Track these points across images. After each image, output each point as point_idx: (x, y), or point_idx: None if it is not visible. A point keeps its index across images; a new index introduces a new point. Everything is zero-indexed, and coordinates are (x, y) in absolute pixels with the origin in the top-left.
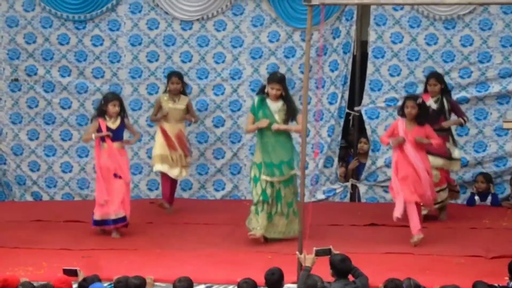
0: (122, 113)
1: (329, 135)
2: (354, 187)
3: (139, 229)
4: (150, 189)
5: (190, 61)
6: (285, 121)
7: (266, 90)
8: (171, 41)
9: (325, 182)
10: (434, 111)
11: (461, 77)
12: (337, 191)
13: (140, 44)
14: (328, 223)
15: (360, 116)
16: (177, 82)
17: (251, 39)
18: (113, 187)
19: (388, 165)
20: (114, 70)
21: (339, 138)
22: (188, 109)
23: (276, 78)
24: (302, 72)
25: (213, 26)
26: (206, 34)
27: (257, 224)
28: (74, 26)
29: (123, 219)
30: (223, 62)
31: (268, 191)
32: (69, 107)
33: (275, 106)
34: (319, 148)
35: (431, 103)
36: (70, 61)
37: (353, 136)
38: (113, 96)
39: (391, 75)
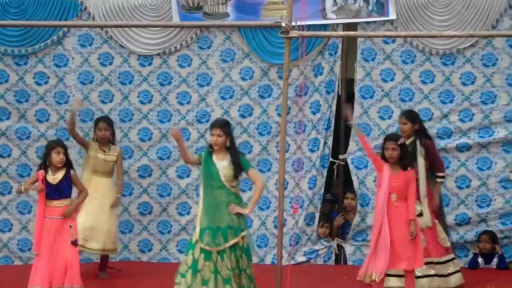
0: (68, 164)
1: (310, 188)
2: (339, 247)
3: None
4: (142, 250)
5: (150, 101)
6: (233, 178)
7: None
8: (128, 78)
9: (306, 242)
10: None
11: (461, 120)
12: (320, 252)
13: (91, 82)
14: None
15: (346, 165)
16: (105, 129)
17: (220, 77)
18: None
19: None
20: (61, 113)
21: (322, 191)
22: (117, 161)
23: (217, 123)
24: (279, 115)
25: (176, 61)
26: (168, 71)
27: None
28: (14, 62)
29: None
30: (188, 103)
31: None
32: (9, 156)
33: (221, 165)
34: (299, 203)
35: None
36: (9, 102)
37: (337, 189)
38: (57, 143)
39: (381, 118)
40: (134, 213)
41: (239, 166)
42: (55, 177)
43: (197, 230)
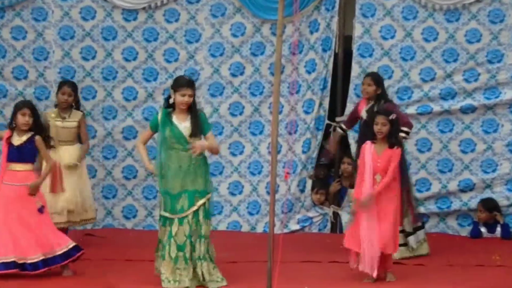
0: (36, 127)
1: (304, 152)
2: (335, 215)
3: (73, 268)
4: (126, 217)
5: (134, 59)
6: (194, 140)
7: (171, 101)
8: (111, 34)
9: (300, 209)
10: (365, 123)
11: (466, 80)
12: (315, 219)
13: (72, 37)
14: (303, 259)
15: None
16: (69, 94)
17: (210, 33)
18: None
19: None
20: (40, 70)
21: (315, 155)
22: (79, 127)
23: (186, 81)
24: (272, 74)
25: (163, 16)
26: (154, 26)
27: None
28: None
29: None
30: (175, 60)
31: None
32: None
33: (183, 126)
34: (292, 168)
35: (362, 113)
36: None
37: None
38: (24, 104)
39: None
40: (118, 177)
41: (198, 127)
42: (19, 139)
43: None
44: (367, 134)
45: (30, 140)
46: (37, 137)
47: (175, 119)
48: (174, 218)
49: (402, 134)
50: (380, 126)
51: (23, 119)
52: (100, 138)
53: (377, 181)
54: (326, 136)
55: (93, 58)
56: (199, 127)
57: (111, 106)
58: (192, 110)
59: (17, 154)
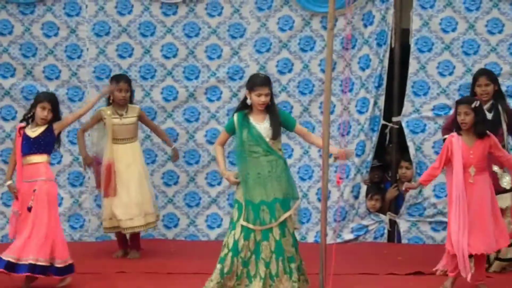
0: (53, 121)
1: (357, 155)
2: (392, 223)
3: (105, 282)
4: (166, 226)
5: (174, 56)
6: (277, 142)
7: (248, 102)
8: (149, 30)
9: (354, 217)
10: (489, 122)
11: None
12: (370, 228)
13: (107, 34)
14: (358, 271)
15: (401, 129)
16: (126, 90)
17: (255, 27)
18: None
19: (438, 195)
20: (73, 69)
21: (370, 158)
22: (143, 122)
23: (261, 79)
24: (323, 71)
25: (204, 10)
26: (195, 21)
27: None
28: (19, 10)
29: (50, 268)
30: (218, 57)
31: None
32: (13, 118)
33: (263, 127)
34: (345, 172)
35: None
36: (14, 56)
37: (391, 156)
38: (45, 96)
39: (441, 74)
40: (158, 184)
41: (280, 125)
42: (34, 130)
43: (236, 206)
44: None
45: (47, 130)
46: (54, 124)
47: (252, 120)
48: (256, 230)
49: None
50: (463, 116)
51: (42, 113)
52: (139, 141)
53: (471, 175)
54: (381, 138)
55: (130, 55)
56: (280, 127)
57: (149, 107)
58: (270, 109)
59: (34, 146)
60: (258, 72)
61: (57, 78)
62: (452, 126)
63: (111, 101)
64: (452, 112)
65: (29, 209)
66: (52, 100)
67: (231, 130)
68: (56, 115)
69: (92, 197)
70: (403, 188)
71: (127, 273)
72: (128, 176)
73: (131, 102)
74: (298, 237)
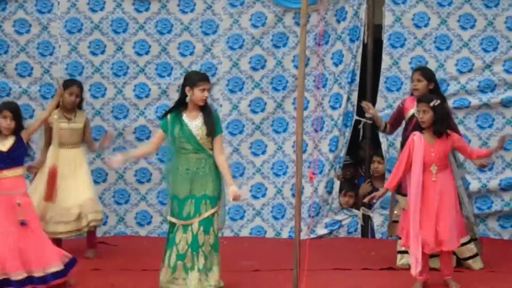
0: (19, 130)
1: (331, 150)
2: (366, 218)
3: (80, 280)
4: (139, 224)
5: (147, 53)
6: (207, 141)
7: (188, 99)
8: (122, 26)
9: (328, 212)
10: (448, 120)
11: (506, 71)
12: (344, 223)
13: (79, 30)
14: (332, 267)
15: (374, 124)
16: (76, 94)
17: (228, 24)
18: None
19: None
20: (45, 66)
21: (343, 153)
22: (84, 130)
23: (204, 75)
24: (296, 67)
25: (177, 6)
26: (168, 17)
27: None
28: None
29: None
30: (191, 54)
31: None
32: None
33: (194, 125)
34: (318, 168)
35: (409, 113)
36: None
37: (364, 151)
38: (5, 105)
39: (413, 69)
40: (131, 181)
41: (213, 125)
42: (4, 144)
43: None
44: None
45: (18, 142)
46: (22, 133)
47: (185, 117)
48: (179, 225)
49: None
50: (422, 114)
51: (5, 122)
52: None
53: (433, 173)
54: (354, 134)
55: (102, 52)
56: (212, 126)
57: (122, 104)
58: (205, 107)
59: (7, 160)
60: (196, 70)
61: (29, 75)
62: (392, 120)
63: (59, 105)
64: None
65: (23, 224)
66: (12, 108)
67: (165, 129)
68: (19, 123)
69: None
70: (366, 201)
71: (100, 270)
72: (70, 181)
73: (80, 108)
74: (272, 233)
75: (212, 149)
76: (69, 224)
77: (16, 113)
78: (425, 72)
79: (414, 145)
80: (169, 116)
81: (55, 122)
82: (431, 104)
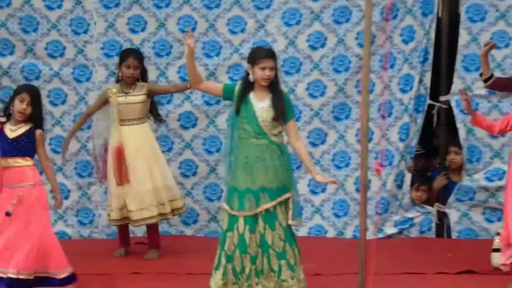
0: (34, 119)
1: (401, 140)
2: (441, 215)
3: (118, 284)
4: (185, 222)
5: (193, 30)
6: (273, 125)
7: (251, 78)
8: (164, 1)
9: (397, 209)
10: None
11: None
12: (415, 221)
13: (117, 5)
14: (402, 270)
15: (450, 109)
16: (135, 66)
17: None
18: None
19: (492, 179)
20: (79, 45)
21: (415, 142)
22: (153, 94)
23: (266, 51)
24: (360, 45)
25: None
26: None
27: None
28: None
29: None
30: (242, 31)
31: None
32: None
33: (260, 106)
34: (386, 159)
35: None
36: (13, 32)
37: (439, 140)
38: (25, 88)
39: (496, 46)
40: (175, 174)
41: (283, 109)
42: (14, 130)
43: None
44: None
45: (29, 133)
46: (39, 132)
47: (252, 96)
48: (242, 221)
49: None
50: None
51: (20, 106)
52: (149, 123)
53: None
54: (428, 120)
55: (143, 30)
56: (283, 109)
57: None
58: (274, 88)
59: (13, 148)
60: (261, 45)
61: (61, 55)
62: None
63: (119, 79)
64: None
65: (8, 214)
66: (32, 92)
67: (227, 92)
68: (37, 110)
69: (103, 189)
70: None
71: (142, 274)
72: (137, 161)
73: (143, 80)
74: (334, 232)
75: (276, 136)
76: (151, 209)
77: (36, 98)
78: None
79: None
80: (238, 85)
81: (113, 97)
82: None
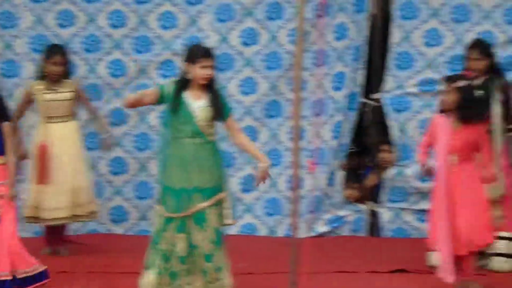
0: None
1: (334, 137)
2: (373, 213)
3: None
4: (114, 221)
5: (123, 25)
6: (209, 125)
7: (190, 76)
8: None
9: (329, 207)
10: (478, 105)
11: None
12: (348, 219)
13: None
14: (334, 269)
15: (382, 107)
16: (61, 63)
17: None
18: None
19: (424, 179)
20: (7, 40)
21: (348, 140)
22: (79, 97)
23: (206, 50)
24: (293, 42)
25: None
26: None
27: None
28: None
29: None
30: (174, 26)
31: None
32: None
33: (197, 105)
34: (319, 157)
35: None
36: None
37: (370, 138)
38: None
39: (427, 44)
40: (104, 172)
41: (222, 107)
42: None
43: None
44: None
45: None
46: (6, 124)
47: (188, 95)
48: (175, 221)
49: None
50: (446, 95)
51: None
52: (77, 121)
53: (453, 163)
54: (360, 117)
55: (72, 24)
56: (222, 108)
57: (94, 84)
58: (211, 86)
59: None
60: (199, 43)
61: None
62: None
63: (44, 75)
64: None
65: None
66: None
67: (161, 95)
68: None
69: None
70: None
71: (69, 273)
72: (62, 160)
73: (67, 77)
74: (265, 231)
75: (211, 135)
76: (66, 209)
77: None
78: (484, 48)
79: (437, 128)
80: (171, 86)
81: (38, 94)
82: (456, 84)
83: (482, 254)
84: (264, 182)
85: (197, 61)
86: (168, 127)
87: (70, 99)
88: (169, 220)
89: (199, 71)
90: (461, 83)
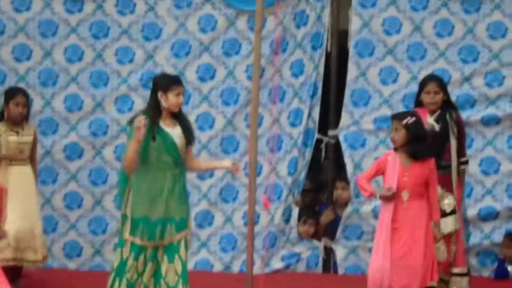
0: None
1: (290, 173)
2: (328, 250)
3: None
4: (68, 256)
5: (80, 59)
6: (183, 152)
7: (164, 104)
8: (51, 29)
9: (285, 243)
10: (437, 135)
11: (488, 85)
12: (303, 256)
13: (2, 33)
14: None
15: (338, 144)
16: (24, 105)
17: (173, 27)
18: None
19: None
20: None
21: (303, 177)
22: (34, 142)
23: (177, 77)
24: (249, 78)
25: (115, 7)
26: (104, 19)
27: None
28: None
29: None
30: (130, 61)
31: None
32: None
33: (175, 133)
34: (275, 193)
35: (430, 121)
36: None
37: (326, 174)
38: None
39: (383, 82)
40: (59, 207)
41: (192, 134)
42: None
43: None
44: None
45: None
46: None
47: (164, 125)
48: (148, 247)
49: (463, 167)
50: (393, 132)
51: None
52: (37, 158)
53: (403, 200)
54: (316, 154)
55: (28, 58)
56: (191, 134)
57: (50, 118)
58: (179, 113)
59: None
60: (164, 73)
61: None
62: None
63: (4, 117)
64: None
65: None
66: None
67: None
68: None
69: None
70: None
71: None
72: (17, 203)
73: (27, 119)
74: (221, 266)
75: (183, 164)
76: (9, 251)
77: None
78: (441, 82)
79: (387, 165)
80: (146, 122)
81: (2, 135)
82: (404, 122)
83: None
84: (238, 172)
85: (170, 89)
86: (144, 159)
87: (31, 143)
88: (142, 249)
89: (172, 99)
90: (410, 120)
